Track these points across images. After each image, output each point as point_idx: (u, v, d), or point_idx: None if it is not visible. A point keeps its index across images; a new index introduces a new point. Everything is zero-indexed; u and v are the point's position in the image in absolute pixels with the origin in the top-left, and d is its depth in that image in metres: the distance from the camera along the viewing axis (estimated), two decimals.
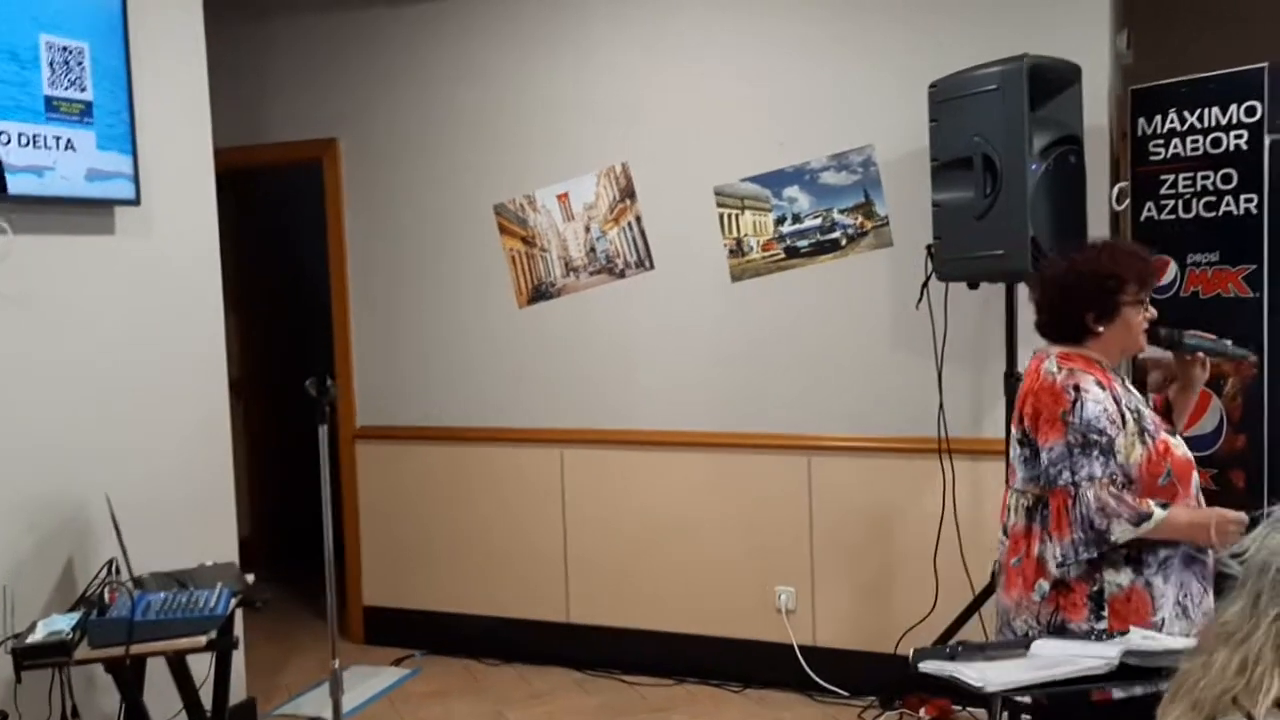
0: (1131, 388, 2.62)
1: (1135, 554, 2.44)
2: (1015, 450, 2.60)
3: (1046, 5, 3.72)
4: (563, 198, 4.41)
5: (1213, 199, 3.60)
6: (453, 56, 4.54)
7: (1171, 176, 3.71)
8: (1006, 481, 2.69)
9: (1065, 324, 2.57)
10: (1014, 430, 2.62)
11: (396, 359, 4.77)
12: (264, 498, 5.97)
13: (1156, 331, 2.62)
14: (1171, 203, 3.72)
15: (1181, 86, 3.69)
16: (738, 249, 4.19)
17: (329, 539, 3.19)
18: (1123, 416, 2.45)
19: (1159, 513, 2.38)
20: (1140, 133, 3.79)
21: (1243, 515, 2.39)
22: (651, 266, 4.32)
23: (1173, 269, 3.72)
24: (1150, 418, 2.52)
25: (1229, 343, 2.69)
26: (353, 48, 4.69)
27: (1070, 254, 2.64)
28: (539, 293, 4.50)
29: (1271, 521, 1.52)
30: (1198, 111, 3.62)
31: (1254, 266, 3.52)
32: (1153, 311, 2.58)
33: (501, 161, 4.49)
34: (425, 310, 4.69)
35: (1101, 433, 2.41)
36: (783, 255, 4.14)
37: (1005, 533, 2.64)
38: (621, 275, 4.37)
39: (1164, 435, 2.50)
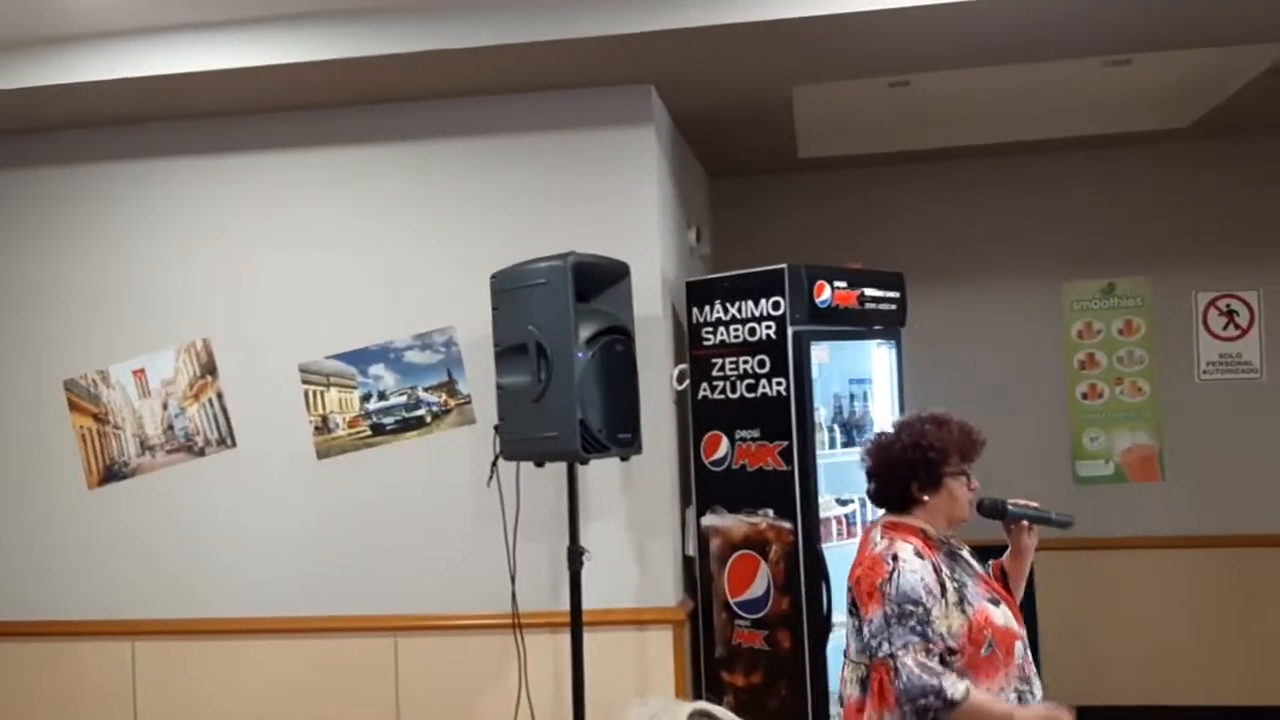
0: (965, 555, 2.66)
1: None
2: (847, 620, 2.62)
3: (603, 207, 4.03)
4: (139, 373, 4.22)
5: (752, 381, 3.99)
6: (13, 226, 4.30)
7: (720, 360, 4.08)
8: (845, 653, 2.67)
9: (892, 493, 2.65)
10: (845, 599, 2.64)
11: None
12: None
13: (981, 502, 2.71)
14: (722, 384, 4.08)
15: (724, 281, 4.11)
16: (324, 426, 4.15)
17: None
18: (942, 586, 2.48)
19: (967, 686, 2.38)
20: (694, 320, 4.16)
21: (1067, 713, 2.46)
22: (234, 444, 4.19)
23: (725, 444, 4.07)
24: (973, 588, 2.55)
25: (1051, 511, 2.75)
26: None
27: (897, 426, 2.73)
28: (111, 473, 4.23)
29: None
30: (737, 304, 4.03)
31: (786, 443, 3.91)
32: (976, 483, 2.67)
33: (72, 336, 4.25)
34: None
35: (917, 603, 2.44)
36: (369, 432, 4.14)
37: (841, 703, 2.64)
38: (201, 453, 4.20)
39: (984, 605, 2.52)
